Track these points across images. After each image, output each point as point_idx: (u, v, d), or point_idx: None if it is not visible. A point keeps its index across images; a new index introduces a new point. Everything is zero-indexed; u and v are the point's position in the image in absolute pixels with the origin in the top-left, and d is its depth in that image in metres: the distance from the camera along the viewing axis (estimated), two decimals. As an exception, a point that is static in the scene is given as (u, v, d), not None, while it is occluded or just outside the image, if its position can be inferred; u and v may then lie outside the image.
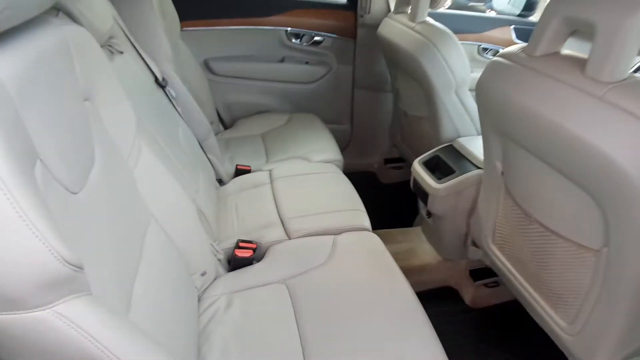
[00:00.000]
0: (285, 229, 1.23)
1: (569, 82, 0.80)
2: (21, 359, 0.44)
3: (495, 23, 2.22)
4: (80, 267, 0.47)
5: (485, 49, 2.23)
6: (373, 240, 1.19)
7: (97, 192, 0.66)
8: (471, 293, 1.53)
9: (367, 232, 1.24)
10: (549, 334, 1.07)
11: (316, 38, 2.07)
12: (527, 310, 1.16)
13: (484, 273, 1.53)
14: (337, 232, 1.21)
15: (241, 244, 1.16)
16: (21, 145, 0.45)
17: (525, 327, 1.39)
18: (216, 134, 1.83)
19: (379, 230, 1.30)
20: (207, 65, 2.00)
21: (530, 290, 1.11)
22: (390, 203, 2.10)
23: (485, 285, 1.53)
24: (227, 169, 1.59)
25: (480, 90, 1.03)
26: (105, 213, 0.66)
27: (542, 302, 1.06)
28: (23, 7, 0.47)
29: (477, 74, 1.09)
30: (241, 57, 2.03)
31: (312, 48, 2.09)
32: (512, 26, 2.22)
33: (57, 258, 0.42)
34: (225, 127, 2.03)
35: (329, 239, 1.18)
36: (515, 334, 1.41)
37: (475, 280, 1.53)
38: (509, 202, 1.13)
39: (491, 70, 0.99)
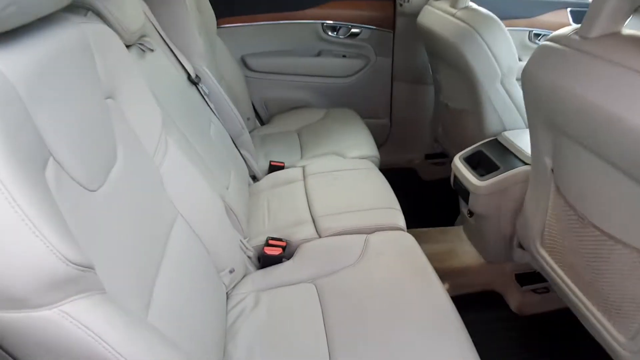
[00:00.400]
0: (316, 226, 1.20)
1: (633, 66, 0.69)
2: (30, 357, 0.44)
3: (549, 6, 2.04)
4: (88, 267, 0.46)
5: (537, 35, 2.06)
6: (407, 240, 1.13)
7: (119, 189, 0.66)
8: (517, 299, 1.42)
9: (402, 231, 1.18)
10: (606, 348, 0.96)
11: (353, 30, 2.01)
12: (581, 321, 1.05)
13: (532, 278, 1.41)
14: (370, 231, 1.16)
15: (271, 242, 1.14)
16: (28, 144, 0.45)
17: (578, 339, 1.27)
18: (252, 130, 1.83)
19: (415, 229, 1.24)
20: (243, 62, 2.01)
21: (584, 299, 1.00)
22: (431, 201, 2.01)
23: (534, 291, 1.41)
24: (262, 165, 1.58)
25: (527, 79, 0.93)
26: (126, 211, 0.66)
27: (598, 314, 0.96)
28: (29, 5, 0.47)
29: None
30: (277, 52, 2.02)
31: (349, 41, 2.03)
32: (569, 9, 2.03)
33: (60, 258, 0.42)
34: (262, 123, 2.03)
35: (360, 238, 1.13)
36: (567, 345, 1.29)
37: (522, 285, 1.42)
38: (559, 202, 1.02)
39: (539, 56, 0.90)
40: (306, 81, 2.06)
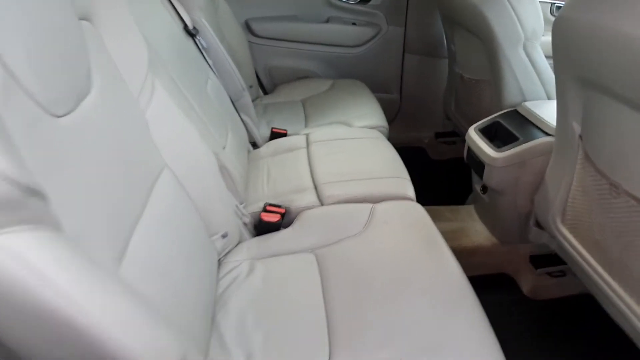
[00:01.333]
0: (318, 194, 1.11)
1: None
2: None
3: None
4: (33, 192, 0.37)
5: (559, 8, 1.93)
6: (417, 210, 1.04)
7: (92, 123, 0.57)
8: (531, 282, 1.33)
9: (411, 201, 1.09)
10: (630, 332, 0.88)
11: (365, -5, 1.90)
12: (603, 306, 0.96)
13: (548, 260, 1.32)
14: (376, 200, 1.07)
15: (268, 208, 1.06)
16: None
17: (596, 324, 1.19)
18: (255, 99, 1.74)
19: (424, 207, 1.14)
20: (248, 26, 1.90)
21: (609, 279, 0.91)
22: (441, 181, 1.91)
23: (549, 274, 1.32)
24: (263, 132, 1.49)
25: (560, 27, 0.83)
26: (99, 148, 0.58)
27: (625, 296, 0.87)
28: None
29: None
30: (284, 17, 1.91)
31: (360, 7, 1.92)
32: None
33: None
34: (265, 93, 1.94)
35: (366, 207, 1.04)
36: (585, 331, 1.20)
37: (536, 267, 1.33)
38: (588, 171, 0.92)
39: (575, 1, 0.79)
40: (313, 49, 1.95)
